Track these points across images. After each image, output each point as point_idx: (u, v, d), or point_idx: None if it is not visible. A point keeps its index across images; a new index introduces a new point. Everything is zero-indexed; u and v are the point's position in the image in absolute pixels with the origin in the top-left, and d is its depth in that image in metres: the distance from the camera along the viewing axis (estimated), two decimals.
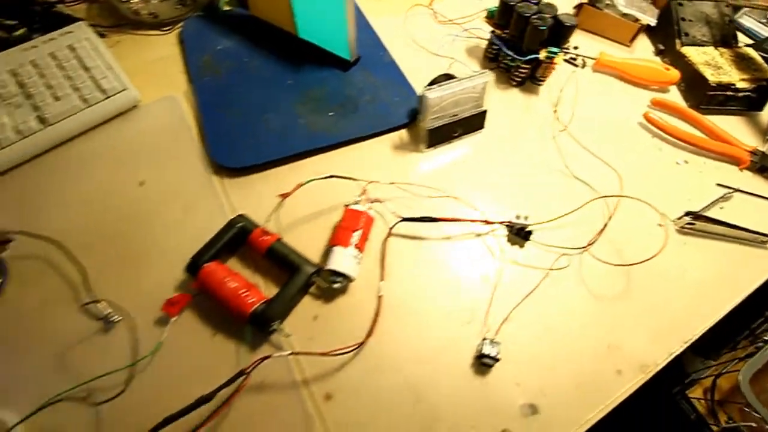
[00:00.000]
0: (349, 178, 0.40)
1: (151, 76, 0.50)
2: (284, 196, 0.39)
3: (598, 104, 0.50)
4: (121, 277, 0.37)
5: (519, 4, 0.46)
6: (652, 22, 0.52)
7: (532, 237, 0.40)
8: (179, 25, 0.56)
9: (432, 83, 0.43)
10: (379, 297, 0.37)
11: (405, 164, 0.45)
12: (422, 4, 0.59)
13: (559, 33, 0.46)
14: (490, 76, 0.42)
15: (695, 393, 0.58)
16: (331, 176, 0.39)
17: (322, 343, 0.35)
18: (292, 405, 0.33)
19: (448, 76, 0.45)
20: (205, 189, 0.43)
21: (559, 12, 0.46)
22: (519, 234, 0.40)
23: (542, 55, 0.47)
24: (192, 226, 0.41)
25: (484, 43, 0.54)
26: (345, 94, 0.49)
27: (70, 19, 0.54)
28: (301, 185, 0.38)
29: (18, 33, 0.53)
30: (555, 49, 0.46)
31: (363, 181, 0.41)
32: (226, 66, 0.51)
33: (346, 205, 0.39)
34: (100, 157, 0.45)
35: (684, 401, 0.58)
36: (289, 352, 0.33)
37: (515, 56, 0.47)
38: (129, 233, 0.40)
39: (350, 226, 0.37)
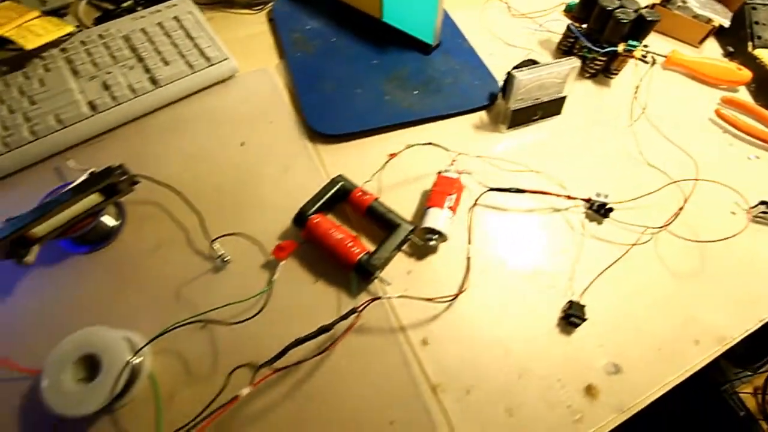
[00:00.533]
0: (443, 148, 0.43)
1: (243, 50, 0.53)
2: (392, 155, 0.42)
3: (668, 100, 0.52)
4: (229, 225, 0.40)
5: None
6: (726, 23, 0.54)
7: (610, 215, 0.42)
8: (268, 5, 0.60)
9: (517, 67, 0.46)
10: (468, 258, 0.39)
11: (486, 142, 0.47)
12: None
13: (639, 27, 0.48)
14: (577, 62, 0.45)
15: (745, 389, 0.59)
16: (430, 143, 0.42)
17: (416, 295, 0.38)
18: (391, 347, 0.35)
19: (533, 62, 0.48)
20: (300, 152, 0.46)
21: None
22: (599, 211, 0.42)
23: (621, 48, 0.49)
24: (290, 184, 0.44)
25: (556, 37, 0.57)
26: (427, 74, 0.52)
27: None
28: (409, 146, 0.41)
29: (126, 5, 0.57)
30: (635, 43, 0.48)
31: (453, 152, 0.43)
32: (315, 44, 0.55)
33: (439, 172, 0.42)
34: (203, 118, 0.48)
35: (733, 397, 0.59)
36: (398, 294, 0.35)
37: (594, 48, 0.50)
38: (233, 187, 0.43)
39: (445, 190, 0.40)
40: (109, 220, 0.40)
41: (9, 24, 0.46)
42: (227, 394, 0.31)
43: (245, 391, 0.30)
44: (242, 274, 0.39)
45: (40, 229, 0.35)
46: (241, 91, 0.51)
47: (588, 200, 0.43)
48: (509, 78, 0.45)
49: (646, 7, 0.48)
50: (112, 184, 0.37)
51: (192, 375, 0.34)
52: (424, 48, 0.55)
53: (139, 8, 0.57)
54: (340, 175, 0.42)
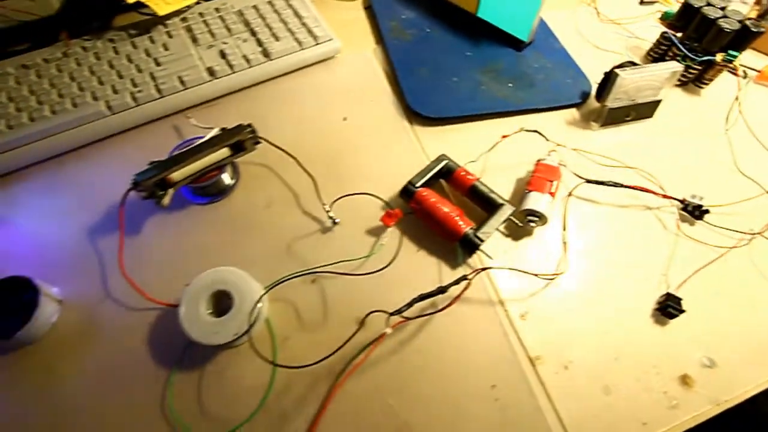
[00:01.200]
0: (545, 138, 0.44)
1: (342, 33, 0.56)
2: (505, 137, 0.44)
3: (759, 113, 0.53)
4: (336, 191, 0.43)
5: (705, 7, 0.49)
6: None
7: (704, 217, 0.43)
8: None
9: (618, 67, 0.47)
10: (564, 243, 0.41)
11: (579, 137, 0.49)
12: (586, 2, 0.63)
13: (740, 38, 0.49)
14: (679, 67, 0.46)
15: None
16: (536, 131, 0.44)
17: (503, 277, 0.39)
18: (491, 316, 0.37)
19: (633, 63, 0.49)
20: (400, 131, 0.49)
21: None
22: (693, 212, 0.43)
23: (719, 58, 0.50)
24: (390, 159, 0.46)
25: (645, 44, 0.58)
26: (520, 70, 0.54)
27: None
28: (522, 129, 0.44)
29: None
30: (735, 53, 0.49)
31: (552, 142, 0.45)
32: (410, 33, 0.57)
33: (539, 160, 0.44)
34: (309, 92, 0.51)
35: None
36: (508, 266, 0.37)
37: (691, 55, 0.51)
38: (338, 157, 0.46)
39: (546, 176, 0.42)
40: (226, 178, 0.43)
41: None
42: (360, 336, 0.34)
43: (388, 330, 0.33)
44: (350, 236, 0.41)
45: (177, 175, 0.38)
46: (343, 71, 0.54)
47: (683, 201, 0.43)
48: (611, 76, 0.46)
49: (750, 18, 0.49)
50: (240, 141, 0.40)
51: (302, 322, 0.37)
52: (516, 44, 0.56)
53: None
54: (443, 155, 0.44)
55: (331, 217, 0.41)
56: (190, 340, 0.32)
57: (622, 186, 0.43)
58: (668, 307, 0.37)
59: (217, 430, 0.32)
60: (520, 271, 0.37)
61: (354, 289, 0.38)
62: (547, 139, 0.45)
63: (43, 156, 0.45)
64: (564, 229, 0.41)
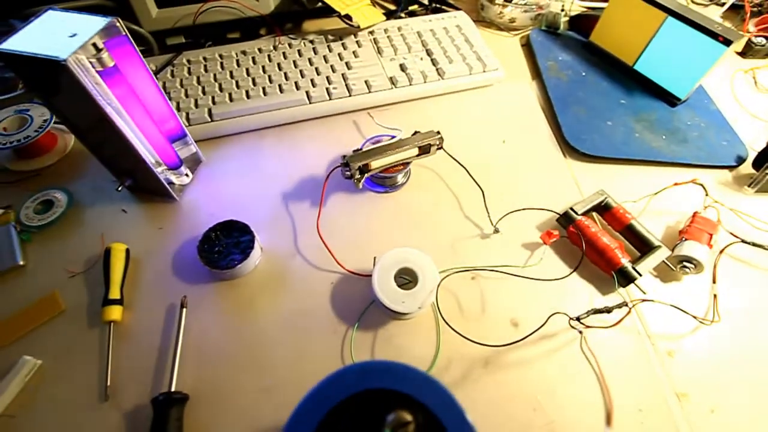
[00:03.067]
0: (706, 192, 0.46)
1: (501, 64, 0.62)
2: (677, 184, 0.47)
3: None
4: (495, 204, 0.47)
5: None
6: None
7: None
8: (521, 32, 0.69)
9: None
10: (714, 295, 0.42)
11: (731, 199, 0.50)
12: (743, 69, 0.64)
13: None
14: None
15: None
16: (702, 185, 0.46)
17: (655, 312, 0.41)
18: (640, 347, 0.39)
19: None
20: (555, 160, 0.52)
21: None
22: None
23: None
24: (545, 184, 0.50)
25: None
26: (674, 124, 0.56)
27: (452, 8, 0.69)
28: (695, 181, 0.47)
29: (412, 8, 0.69)
30: None
31: (711, 197, 0.47)
32: (567, 74, 0.62)
33: (696, 212, 0.45)
34: (472, 112, 0.57)
35: None
36: (669, 302, 0.39)
37: None
38: (497, 174, 0.50)
39: (704, 228, 0.44)
40: (399, 175, 0.50)
41: (353, 5, 0.59)
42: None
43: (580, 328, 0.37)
44: (507, 245, 0.45)
45: (376, 163, 0.44)
46: (503, 98, 0.59)
47: None
48: None
49: None
50: (429, 144, 0.46)
51: (463, 311, 0.41)
52: (670, 99, 0.59)
53: (420, 11, 0.69)
54: (602, 190, 0.47)
55: (494, 226, 0.45)
56: (382, 304, 0.37)
57: None
58: None
59: None
60: (679, 309, 0.39)
61: (510, 292, 0.42)
62: (707, 194, 0.47)
63: (252, 127, 0.53)
64: (714, 282, 0.43)
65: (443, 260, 0.43)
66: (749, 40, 0.67)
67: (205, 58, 0.57)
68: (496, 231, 0.45)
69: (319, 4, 0.61)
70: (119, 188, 0.44)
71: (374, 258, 0.41)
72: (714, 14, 0.68)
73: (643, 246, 0.44)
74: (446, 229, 0.46)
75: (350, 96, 0.55)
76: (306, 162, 0.51)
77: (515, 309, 0.41)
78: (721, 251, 0.45)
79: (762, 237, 0.46)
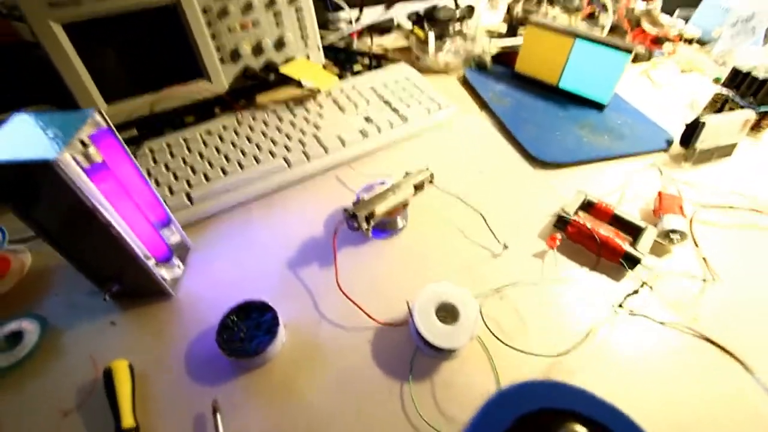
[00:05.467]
0: (661, 172, 0.53)
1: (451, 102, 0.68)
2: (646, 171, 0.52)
3: None
4: (497, 224, 0.49)
5: (754, 71, 0.62)
6: None
7: None
8: (456, 73, 0.77)
9: (695, 120, 0.58)
10: (703, 258, 0.47)
11: (676, 174, 0.58)
12: (638, 73, 0.77)
13: None
14: (752, 114, 0.57)
15: None
16: (657, 167, 0.53)
17: (666, 284, 0.45)
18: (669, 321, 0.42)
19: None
20: (528, 175, 0.57)
21: None
22: None
23: None
24: (527, 197, 0.54)
25: (698, 103, 0.71)
26: (608, 125, 0.65)
27: (392, 61, 0.75)
28: (653, 165, 0.53)
29: (356, 68, 0.74)
30: None
31: (666, 176, 0.54)
32: (507, 101, 0.69)
33: (659, 191, 0.52)
34: (441, 148, 0.61)
35: None
36: (676, 270, 0.43)
37: (749, 106, 0.63)
38: (485, 198, 0.53)
39: (673, 201, 0.50)
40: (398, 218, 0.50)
41: (307, 72, 0.61)
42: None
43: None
44: (518, 258, 0.47)
45: (380, 209, 0.45)
46: (464, 129, 0.64)
47: None
48: (699, 124, 0.57)
49: None
50: (422, 180, 0.48)
51: (505, 331, 0.41)
52: (597, 106, 0.68)
53: (363, 70, 0.74)
54: (581, 190, 0.52)
55: (503, 244, 0.47)
56: (433, 346, 0.36)
57: (734, 208, 0.51)
58: None
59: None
60: (688, 275, 0.43)
61: (541, 300, 0.43)
62: (662, 174, 0.54)
63: (235, 202, 0.51)
64: (697, 246, 0.48)
65: (467, 285, 0.44)
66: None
67: (168, 145, 0.55)
68: (505, 247, 0.47)
69: (272, 75, 0.63)
70: (105, 297, 0.39)
71: (407, 303, 0.40)
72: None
73: (631, 230, 0.48)
74: (458, 258, 0.47)
75: (327, 154, 0.56)
76: (301, 225, 0.50)
77: (552, 315, 0.42)
78: (691, 219, 0.51)
79: (715, 199, 0.54)
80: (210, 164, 0.53)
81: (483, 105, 0.69)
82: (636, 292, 0.40)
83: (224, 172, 0.52)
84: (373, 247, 0.48)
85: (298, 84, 0.61)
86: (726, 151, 0.60)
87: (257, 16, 0.59)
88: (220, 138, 0.57)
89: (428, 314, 0.38)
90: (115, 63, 0.54)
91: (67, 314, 0.41)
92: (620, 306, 0.39)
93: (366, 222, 0.44)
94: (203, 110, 0.65)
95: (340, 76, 0.71)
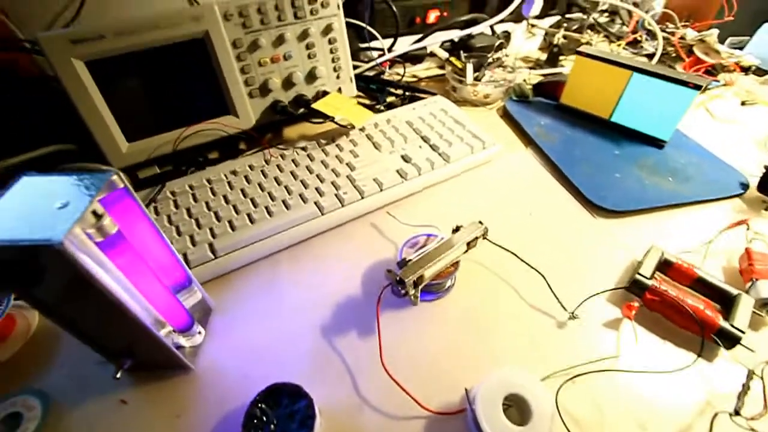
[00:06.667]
0: (748, 226, 0.46)
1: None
2: (733, 225, 0.46)
3: None
4: (559, 285, 0.43)
5: None
6: None
7: None
8: (494, 105, 0.72)
9: None
10: None
11: (760, 224, 0.51)
12: (696, 106, 0.71)
13: None
14: None
15: None
16: (745, 221, 0.46)
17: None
18: None
19: None
20: (587, 223, 0.51)
21: None
22: None
23: None
24: (591, 249, 0.47)
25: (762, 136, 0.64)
26: (671, 165, 0.59)
27: (427, 93, 0.70)
28: (746, 222, 0.47)
29: (390, 100, 0.70)
30: None
31: (752, 230, 0.47)
32: (554, 136, 0.64)
33: (747, 248, 0.45)
34: (486, 191, 0.55)
35: None
36: None
37: None
38: (545, 252, 0.47)
39: (765, 260, 0.43)
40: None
41: (342, 107, 0.57)
42: None
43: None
44: (591, 330, 0.40)
45: (429, 272, 0.39)
46: (510, 168, 0.58)
47: None
48: None
49: None
50: (475, 237, 0.42)
51: (580, 425, 0.34)
52: (656, 143, 0.62)
53: (397, 102, 0.70)
54: (655, 245, 0.45)
55: (571, 312, 0.41)
56: None
57: None
58: None
59: None
60: None
61: (621, 387, 0.36)
62: (749, 228, 0.47)
63: (262, 255, 0.46)
64: None
65: (531, 366, 0.37)
66: None
67: (191, 186, 0.51)
68: (573, 317, 0.41)
69: (302, 110, 0.59)
70: (117, 375, 0.33)
71: (465, 391, 0.34)
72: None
73: (720, 298, 0.41)
74: (518, 326, 0.41)
75: (363, 198, 0.51)
76: (334, 281, 0.44)
77: (637, 408, 0.35)
78: None
79: None
80: (236, 210, 0.48)
81: (528, 141, 0.64)
82: (747, 388, 0.33)
83: (251, 219, 0.47)
84: (417, 312, 0.42)
85: (330, 118, 0.57)
86: None
87: (289, 49, 0.55)
88: (247, 179, 0.52)
89: (494, 409, 0.32)
90: (138, 99, 0.50)
91: (73, 390, 0.36)
92: (737, 413, 0.32)
93: (414, 287, 0.38)
94: (228, 146, 0.61)
95: (373, 109, 0.67)
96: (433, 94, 0.69)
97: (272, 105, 0.58)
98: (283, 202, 0.49)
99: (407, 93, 0.70)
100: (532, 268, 0.44)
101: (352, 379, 0.37)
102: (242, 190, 0.51)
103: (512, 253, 0.45)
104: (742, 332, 0.37)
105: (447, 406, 0.35)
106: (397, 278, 0.37)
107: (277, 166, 0.54)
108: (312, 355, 0.39)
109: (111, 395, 0.36)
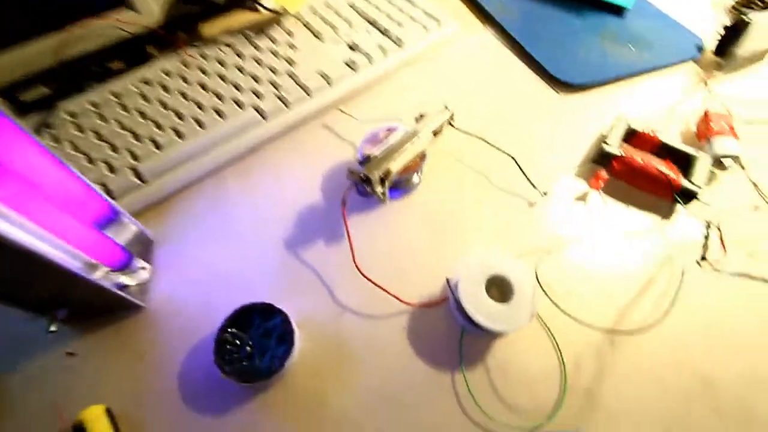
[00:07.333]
0: (706, 86, 0.46)
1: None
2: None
3: None
4: (527, 166, 0.41)
5: None
6: None
7: None
8: None
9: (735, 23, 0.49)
10: (754, 183, 0.42)
11: (714, 85, 0.50)
12: None
13: None
14: None
15: None
16: (705, 81, 0.45)
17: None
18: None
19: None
20: (552, 101, 0.48)
21: None
22: None
23: None
24: (561, 128, 0.45)
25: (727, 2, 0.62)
26: (632, 33, 0.55)
27: None
28: (705, 81, 0.47)
29: None
30: None
31: (707, 90, 0.46)
32: (515, 10, 0.57)
33: (706, 110, 0.45)
34: (446, 76, 0.50)
35: None
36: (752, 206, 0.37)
37: None
38: (508, 133, 0.44)
39: (723, 120, 0.43)
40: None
41: None
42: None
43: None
44: (562, 205, 0.40)
45: (395, 165, 0.35)
46: (469, 51, 0.53)
47: None
48: (741, 24, 0.48)
49: None
50: (441, 125, 0.38)
51: (559, 295, 0.35)
52: (617, 11, 0.58)
53: None
54: (621, 115, 0.44)
55: (541, 191, 0.40)
56: (487, 329, 0.30)
57: None
58: None
59: (532, 420, 0.30)
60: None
61: (593, 255, 0.37)
62: (708, 88, 0.46)
63: (201, 173, 0.40)
64: (743, 169, 0.43)
65: (509, 248, 0.37)
66: None
67: (94, 104, 0.41)
68: (544, 194, 0.40)
69: None
70: (51, 328, 0.29)
71: (446, 280, 0.33)
72: None
73: (681, 160, 0.42)
74: (491, 213, 0.39)
75: (310, 96, 0.44)
76: (291, 192, 0.40)
77: (608, 273, 0.36)
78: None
79: (758, 113, 0.47)
80: (158, 126, 0.40)
81: (487, 18, 0.57)
82: (707, 238, 0.35)
83: (179, 134, 0.40)
84: (386, 211, 0.39)
85: (254, 6, 0.46)
86: (761, 56, 0.53)
87: None
88: (164, 89, 0.43)
89: (477, 293, 0.31)
90: None
91: (9, 351, 0.31)
92: (703, 259, 0.34)
93: (381, 184, 0.35)
94: (132, 52, 0.49)
95: None
96: None
97: None
98: (215, 110, 0.41)
99: None
100: (501, 151, 0.41)
101: (327, 288, 0.35)
102: (161, 102, 0.42)
103: (480, 138, 0.41)
104: (699, 187, 0.38)
105: (428, 299, 0.34)
106: (362, 176, 0.33)
107: (200, 68, 0.45)
108: (279, 271, 0.35)
109: (55, 350, 0.31)
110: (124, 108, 0.41)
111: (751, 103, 0.48)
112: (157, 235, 0.36)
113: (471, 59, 0.52)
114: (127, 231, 0.34)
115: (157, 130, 0.40)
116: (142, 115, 0.41)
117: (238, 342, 0.30)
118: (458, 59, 0.52)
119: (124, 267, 0.32)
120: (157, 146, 0.39)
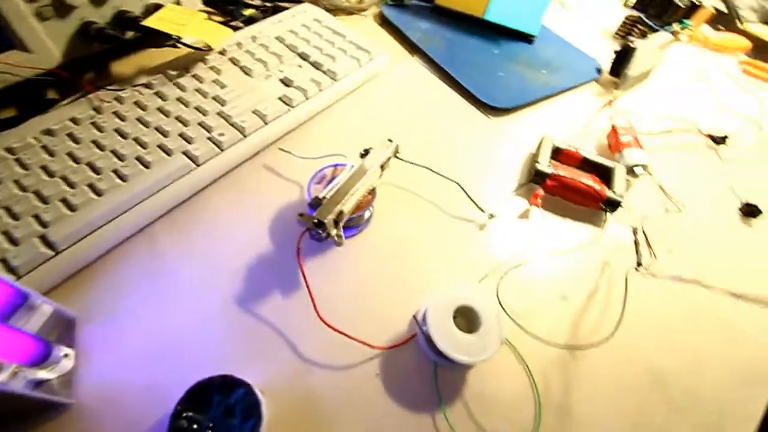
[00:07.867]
0: (611, 104, 0.52)
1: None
2: (607, 105, 0.49)
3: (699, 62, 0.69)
4: (470, 188, 0.43)
5: None
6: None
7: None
8: (370, 11, 0.64)
9: (622, 48, 0.57)
10: (660, 186, 0.48)
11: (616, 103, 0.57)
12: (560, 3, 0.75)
13: (690, 11, 0.64)
14: (669, 36, 0.58)
15: None
16: (610, 101, 0.51)
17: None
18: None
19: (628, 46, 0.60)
20: (483, 124, 0.51)
21: None
22: (716, 141, 0.54)
23: (676, 27, 0.64)
24: (490, 149, 0.48)
25: (607, 26, 0.71)
26: (542, 59, 0.61)
27: (292, 2, 0.59)
28: (613, 101, 0.52)
29: (248, 13, 0.56)
30: (687, 22, 0.64)
31: (612, 109, 0.52)
32: (437, 40, 0.60)
33: (613, 125, 0.50)
34: (380, 107, 0.50)
35: None
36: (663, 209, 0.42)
37: (657, 26, 0.64)
38: (448, 161, 0.46)
39: (630, 133, 0.49)
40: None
41: (187, 23, 0.43)
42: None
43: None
44: (510, 225, 0.42)
45: (348, 206, 0.34)
46: (401, 81, 0.54)
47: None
48: (629, 50, 0.56)
49: None
50: (387, 157, 0.38)
51: (517, 312, 0.36)
52: (527, 38, 0.64)
53: (258, 15, 0.57)
54: (546, 135, 0.47)
55: (488, 213, 0.41)
56: (460, 363, 0.29)
57: (672, 131, 0.52)
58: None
59: None
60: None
61: (542, 268, 0.39)
62: (613, 105, 0.52)
63: (127, 233, 0.35)
64: (651, 175, 0.49)
65: (468, 274, 0.37)
66: None
67: None
68: (491, 216, 0.41)
69: (132, 33, 0.43)
70: None
71: (413, 317, 0.32)
72: None
73: (601, 172, 0.46)
74: (445, 240, 0.40)
75: (245, 137, 0.41)
76: (235, 242, 0.36)
77: (558, 285, 0.38)
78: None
79: (652, 125, 0.55)
80: (69, 183, 0.35)
81: (413, 48, 0.59)
82: (637, 243, 0.39)
83: (96, 190, 0.35)
84: (340, 251, 0.38)
85: (171, 41, 0.43)
86: (645, 75, 0.61)
87: None
88: (73, 139, 0.37)
89: (446, 327, 0.31)
90: None
91: None
92: (639, 265, 0.37)
93: (335, 226, 0.33)
94: (28, 98, 0.43)
95: (228, 26, 0.53)
96: (300, 1, 0.58)
97: (82, 29, 0.41)
98: (138, 159, 0.37)
99: (268, 3, 0.57)
100: (446, 178, 0.42)
101: (290, 344, 0.32)
102: (70, 155, 0.36)
103: (424, 167, 0.42)
104: (621, 196, 0.43)
105: (397, 338, 0.33)
106: (314, 221, 0.32)
107: (115, 113, 0.40)
108: (233, 335, 0.32)
109: None
110: (22, 165, 0.35)
111: (645, 116, 0.55)
112: (79, 313, 0.31)
113: (404, 88, 0.53)
114: (39, 315, 0.28)
115: (67, 188, 0.34)
116: (47, 172, 0.35)
117: (195, 427, 0.26)
118: (391, 89, 0.53)
119: (42, 360, 0.26)
120: (70, 207, 0.34)
